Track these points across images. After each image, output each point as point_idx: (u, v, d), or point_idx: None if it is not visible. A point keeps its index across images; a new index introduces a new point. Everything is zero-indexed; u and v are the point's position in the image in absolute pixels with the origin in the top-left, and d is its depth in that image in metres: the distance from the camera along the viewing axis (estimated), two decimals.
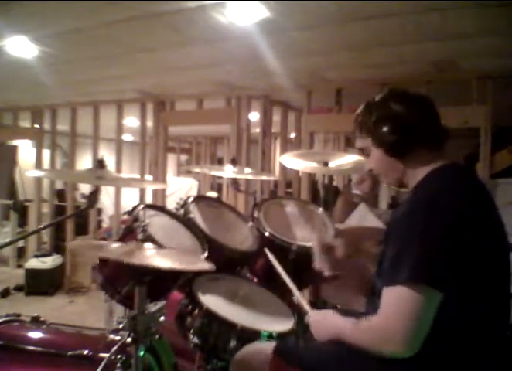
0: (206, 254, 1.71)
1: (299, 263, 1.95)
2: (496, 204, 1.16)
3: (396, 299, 1.01)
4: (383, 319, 1.03)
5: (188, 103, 4.36)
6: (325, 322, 1.23)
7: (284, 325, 1.65)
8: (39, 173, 3.62)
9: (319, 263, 1.50)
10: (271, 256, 1.71)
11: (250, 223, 2.12)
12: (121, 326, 1.42)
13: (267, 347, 1.31)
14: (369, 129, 1.22)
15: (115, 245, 1.44)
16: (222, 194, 6.48)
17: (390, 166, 1.22)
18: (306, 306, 1.40)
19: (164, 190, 4.61)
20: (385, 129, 1.17)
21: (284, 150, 4.25)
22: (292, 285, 1.53)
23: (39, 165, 5.21)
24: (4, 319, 1.54)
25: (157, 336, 1.50)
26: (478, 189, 1.14)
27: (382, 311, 1.03)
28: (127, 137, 6.54)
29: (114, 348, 1.35)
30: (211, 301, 1.63)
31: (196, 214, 2.00)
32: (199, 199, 2.19)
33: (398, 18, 2.25)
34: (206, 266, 1.44)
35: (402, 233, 1.05)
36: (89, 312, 3.86)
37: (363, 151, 1.29)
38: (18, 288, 4.57)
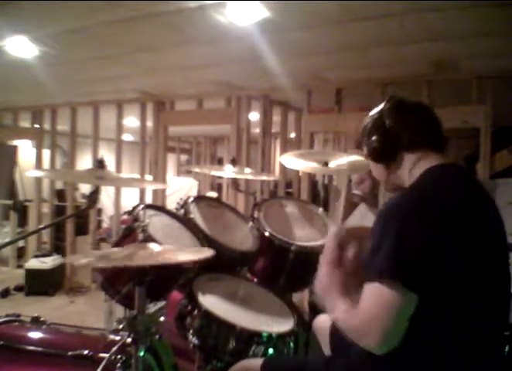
0: None
1: (299, 263, 1.96)
2: (495, 204, 1.16)
3: (370, 295, 1.01)
4: (359, 315, 1.03)
5: (188, 103, 4.36)
6: (329, 286, 1.20)
7: (283, 325, 1.65)
8: (39, 173, 3.62)
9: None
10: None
11: (250, 223, 2.12)
12: (121, 326, 1.42)
13: (255, 364, 1.32)
14: (363, 139, 1.29)
15: (116, 251, 1.43)
16: (222, 194, 6.48)
17: (379, 173, 1.29)
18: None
19: (164, 190, 4.61)
20: (371, 138, 1.25)
21: (284, 150, 4.25)
22: None
23: (39, 165, 5.21)
24: (4, 319, 1.54)
25: (157, 336, 1.50)
26: (472, 189, 1.14)
27: (359, 306, 1.03)
28: (127, 137, 6.55)
29: (114, 349, 1.35)
30: (211, 302, 1.63)
31: (196, 214, 2.00)
32: (199, 199, 2.19)
33: (398, 18, 2.25)
34: (206, 254, 1.41)
35: (381, 229, 1.05)
36: (89, 312, 3.86)
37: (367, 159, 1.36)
38: (18, 288, 4.56)
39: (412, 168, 1.19)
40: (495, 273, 1.08)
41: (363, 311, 1.02)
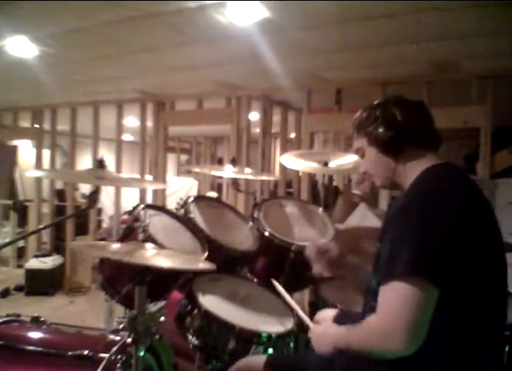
0: (206, 254, 1.71)
1: (299, 262, 1.96)
2: (489, 202, 1.17)
3: (392, 295, 1.00)
4: (381, 317, 1.02)
5: (188, 103, 4.36)
6: (325, 335, 1.23)
7: (283, 325, 1.65)
8: (39, 173, 3.62)
9: (317, 268, 1.54)
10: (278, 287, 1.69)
11: (250, 223, 2.12)
12: (121, 326, 1.42)
13: (259, 361, 1.32)
14: (365, 129, 1.26)
15: (115, 245, 1.44)
16: (222, 194, 6.48)
17: (383, 165, 1.25)
18: (308, 321, 1.41)
19: (164, 190, 4.61)
20: (380, 128, 1.21)
21: (284, 150, 4.25)
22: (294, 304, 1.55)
23: (39, 165, 5.20)
24: (4, 319, 1.54)
25: (157, 336, 1.50)
26: (471, 188, 1.15)
27: (379, 308, 1.03)
28: (127, 137, 6.54)
29: (114, 349, 1.35)
30: (211, 302, 1.63)
31: (196, 214, 2.00)
32: (199, 199, 2.19)
33: (398, 18, 2.25)
34: (205, 266, 1.44)
35: (396, 229, 1.06)
36: (89, 312, 3.86)
37: (358, 152, 1.33)
38: (18, 288, 4.56)
39: (413, 163, 1.19)
40: (496, 271, 1.09)
41: (385, 313, 1.01)
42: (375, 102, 1.28)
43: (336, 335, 1.18)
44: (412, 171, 1.18)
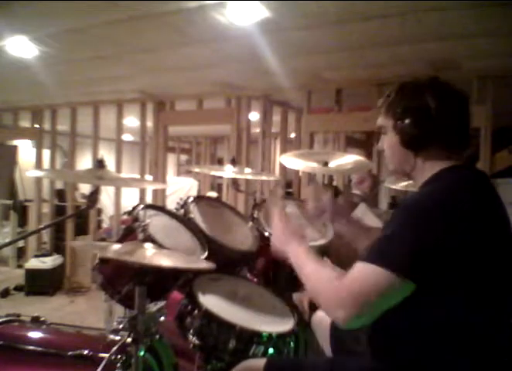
0: (206, 254, 1.71)
1: None
2: (504, 206, 1.14)
3: (364, 274, 1.01)
4: (342, 286, 1.02)
5: (188, 103, 4.36)
6: (287, 243, 1.28)
7: (283, 325, 1.65)
8: (39, 173, 3.62)
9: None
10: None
11: (250, 223, 2.12)
12: (121, 326, 1.42)
13: (259, 364, 1.32)
14: (393, 112, 1.18)
15: (115, 245, 1.44)
16: (222, 194, 6.48)
17: (401, 155, 1.19)
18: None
19: (164, 190, 4.61)
20: (408, 119, 1.13)
21: (284, 150, 4.25)
22: None
23: (39, 165, 5.21)
24: (4, 319, 1.54)
25: (157, 336, 1.50)
26: (487, 192, 1.13)
27: (346, 278, 1.03)
28: (127, 137, 6.54)
29: (114, 348, 1.35)
30: (211, 302, 1.63)
31: (196, 214, 2.00)
32: (199, 199, 2.19)
33: (398, 18, 2.25)
34: (205, 265, 1.44)
35: (401, 222, 1.05)
36: (89, 312, 3.86)
37: (380, 129, 1.25)
38: (18, 288, 4.57)
39: (433, 162, 1.15)
40: (505, 275, 1.08)
41: (348, 285, 1.02)
42: (416, 83, 1.16)
43: (298, 253, 1.20)
44: (430, 169, 1.15)
